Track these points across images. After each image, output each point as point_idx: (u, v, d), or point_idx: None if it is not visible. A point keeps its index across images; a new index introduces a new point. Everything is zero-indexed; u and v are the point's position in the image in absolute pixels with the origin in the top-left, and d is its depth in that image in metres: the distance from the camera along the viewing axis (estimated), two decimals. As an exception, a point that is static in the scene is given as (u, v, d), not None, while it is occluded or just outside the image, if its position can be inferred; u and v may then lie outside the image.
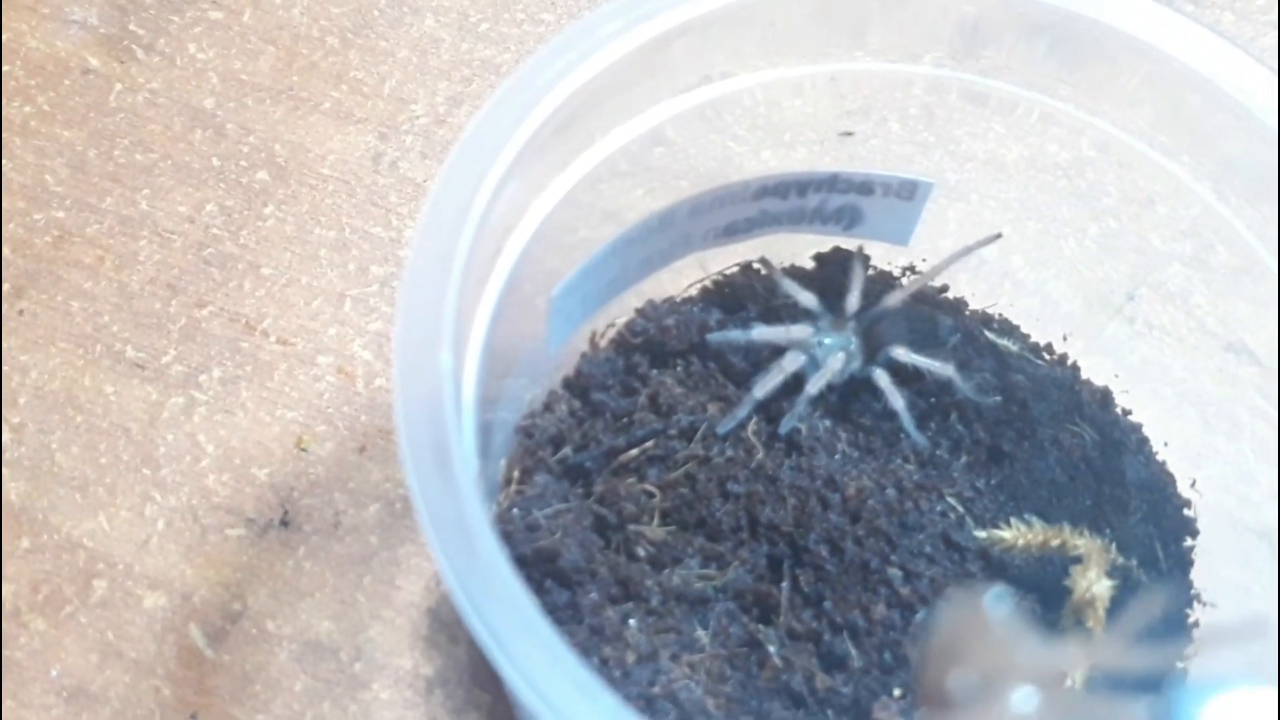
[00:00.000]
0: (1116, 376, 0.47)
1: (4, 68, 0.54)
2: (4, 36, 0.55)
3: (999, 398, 0.46)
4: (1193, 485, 0.45)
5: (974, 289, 0.49)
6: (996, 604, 0.30)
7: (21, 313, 0.49)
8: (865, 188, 0.45)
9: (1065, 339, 0.48)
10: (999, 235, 0.46)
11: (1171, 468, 0.46)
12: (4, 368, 0.48)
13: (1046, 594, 0.43)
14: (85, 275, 0.50)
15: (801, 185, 0.45)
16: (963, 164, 0.48)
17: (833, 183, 0.45)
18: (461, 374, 0.35)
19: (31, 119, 0.53)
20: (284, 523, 0.46)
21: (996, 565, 0.43)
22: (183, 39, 0.55)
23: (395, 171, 0.53)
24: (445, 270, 0.34)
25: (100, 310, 0.50)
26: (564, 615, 0.41)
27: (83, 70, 0.54)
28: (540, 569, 0.41)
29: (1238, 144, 0.40)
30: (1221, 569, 0.45)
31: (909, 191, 0.45)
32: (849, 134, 0.46)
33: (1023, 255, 0.49)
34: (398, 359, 0.32)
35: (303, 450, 0.48)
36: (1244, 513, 0.45)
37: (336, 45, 0.55)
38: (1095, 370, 0.48)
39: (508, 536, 0.42)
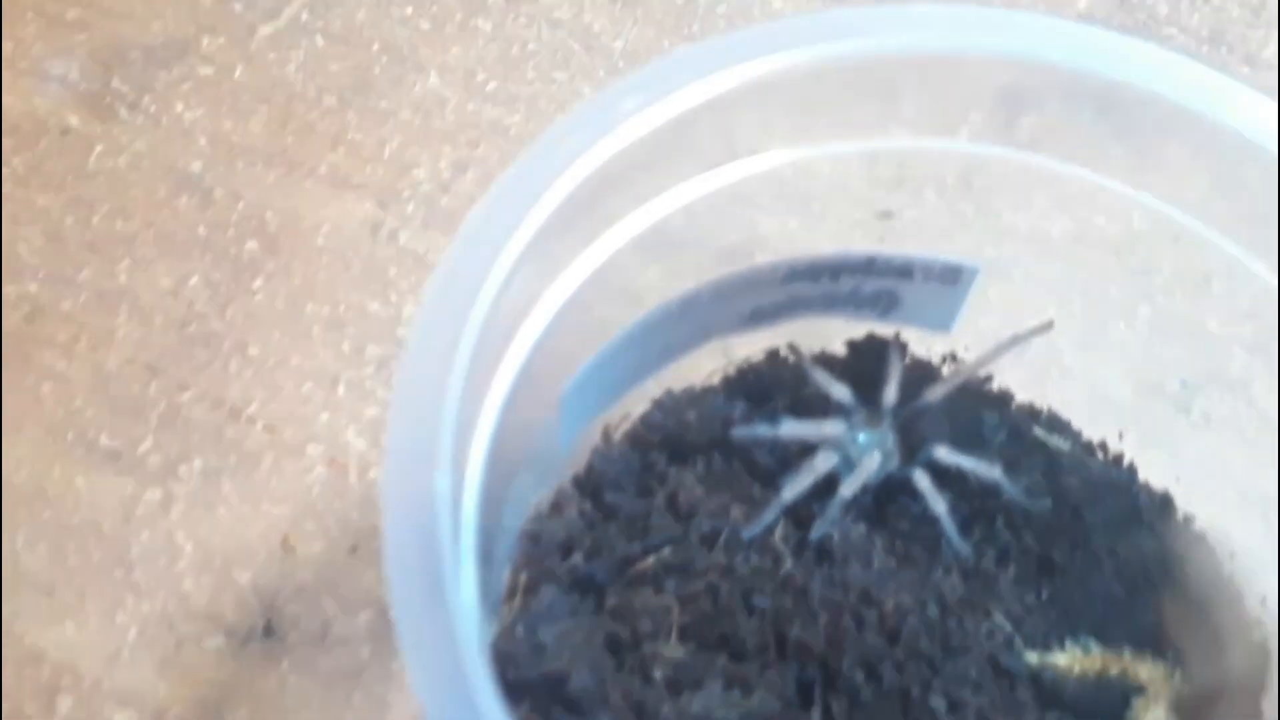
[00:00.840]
0: (1178, 480, 0.43)
1: (-23, 127, 0.51)
2: (-22, 93, 0.51)
3: (1049, 502, 0.42)
4: (1262, 602, 0.42)
5: (1018, 377, 0.45)
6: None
7: (-12, 396, 0.46)
8: (904, 272, 0.41)
9: (1121, 436, 0.44)
10: (1050, 324, 0.43)
11: (1239, 581, 0.42)
12: (-33, 456, 0.45)
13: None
14: (58, 355, 0.46)
15: (834, 269, 0.41)
16: (1003, 239, 0.45)
17: (869, 266, 0.41)
18: (462, 486, 0.31)
19: (5, 182, 0.50)
20: (267, 632, 0.42)
21: (1049, 693, 0.39)
22: (170, 97, 0.52)
23: (395, 242, 0.49)
24: (444, 374, 0.30)
25: (73, 394, 0.46)
26: (573, 746, 0.37)
27: (61, 130, 0.51)
28: (547, 694, 0.37)
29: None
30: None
31: (952, 277, 0.41)
32: (888, 214, 0.42)
33: (1069, 338, 0.46)
34: (387, 481, 0.29)
35: (289, 550, 0.44)
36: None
37: (334, 105, 0.52)
38: (1154, 470, 0.44)
39: (511, 659, 0.38)
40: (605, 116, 0.34)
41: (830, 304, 0.43)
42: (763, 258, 0.42)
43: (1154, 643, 0.40)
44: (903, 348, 0.44)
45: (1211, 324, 0.43)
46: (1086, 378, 0.46)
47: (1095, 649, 0.39)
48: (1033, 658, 0.39)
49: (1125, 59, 0.35)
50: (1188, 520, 0.43)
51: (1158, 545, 0.42)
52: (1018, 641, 0.40)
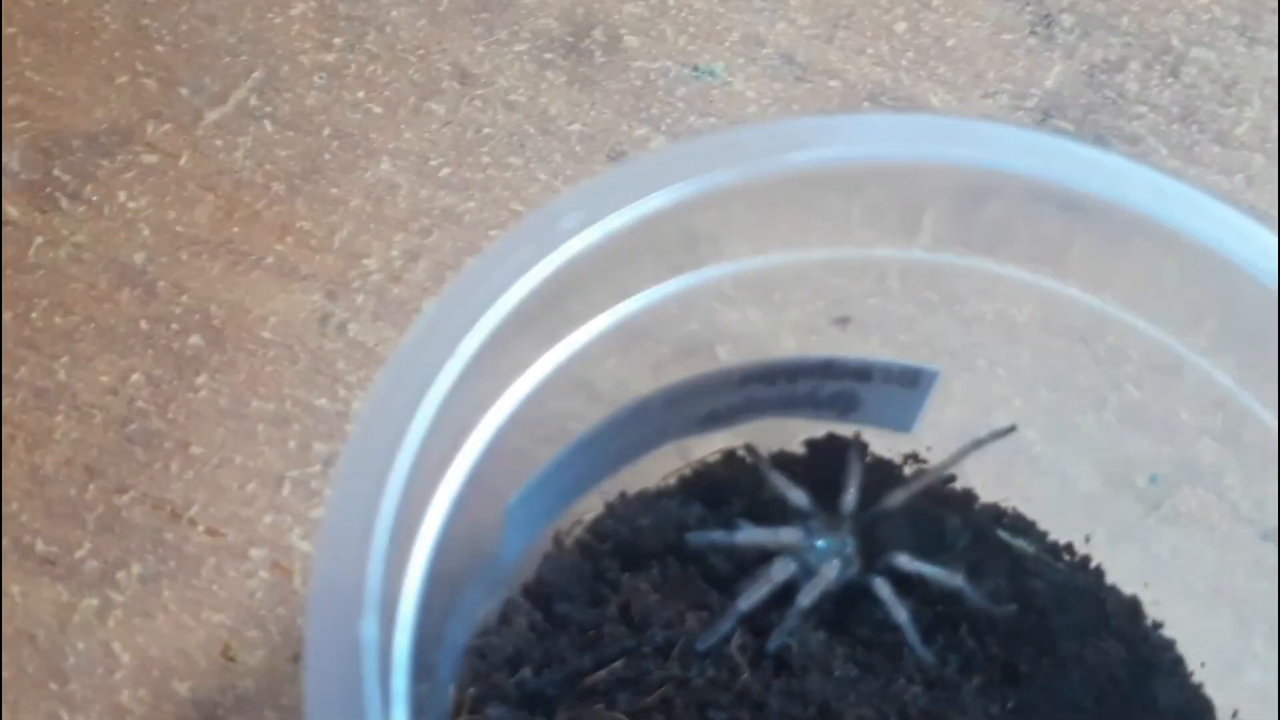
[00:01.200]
0: (1146, 585, 0.42)
1: (-87, 218, 0.49)
2: (-85, 183, 0.50)
3: (1014, 607, 0.41)
4: (1234, 716, 0.40)
5: (983, 471, 0.44)
6: None
7: (-82, 500, 0.44)
8: (862, 374, 0.40)
9: (1088, 539, 0.43)
10: (1013, 428, 0.42)
11: (1209, 690, 0.41)
12: (-104, 564, 0.43)
13: None
14: (-8, 456, 0.45)
15: (791, 372, 0.40)
16: (969, 328, 0.44)
17: (826, 369, 0.40)
18: (394, 623, 0.30)
19: (-58, 276, 0.48)
20: (207, 746, 0.41)
21: (1018, 809, 0.38)
22: (112, 186, 0.50)
23: (344, 335, 0.48)
24: (372, 511, 0.29)
25: (9, 497, 0.44)
26: None
27: (1, 222, 0.49)
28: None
29: (1257, 319, 0.36)
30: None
31: (912, 379, 0.41)
32: (845, 319, 0.41)
33: (1037, 430, 0.45)
34: (310, 626, 0.27)
35: (230, 660, 0.42)
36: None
37: (282, 192, 0.51)
38: (1122, 570, 0.43)
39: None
40: (561, 223, 0.33)
41: (788, 405, 0.42)
42: (723, 352, 0.41)
43: (1123, 755, 0.39)
44: (863, 448, 0.43)
45: (1182, 414, 0.42)
46: (1054, 470, 0.45)
47: (1063, 761, 0.38)
48: (999, 771, 0.38)
49: (1082, 169, 0.35)
50: (1156, 626, 0.42)
51: (1126, 652, 0.41)
52: (984, 755, 0.39)
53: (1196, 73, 0.56)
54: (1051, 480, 0.45)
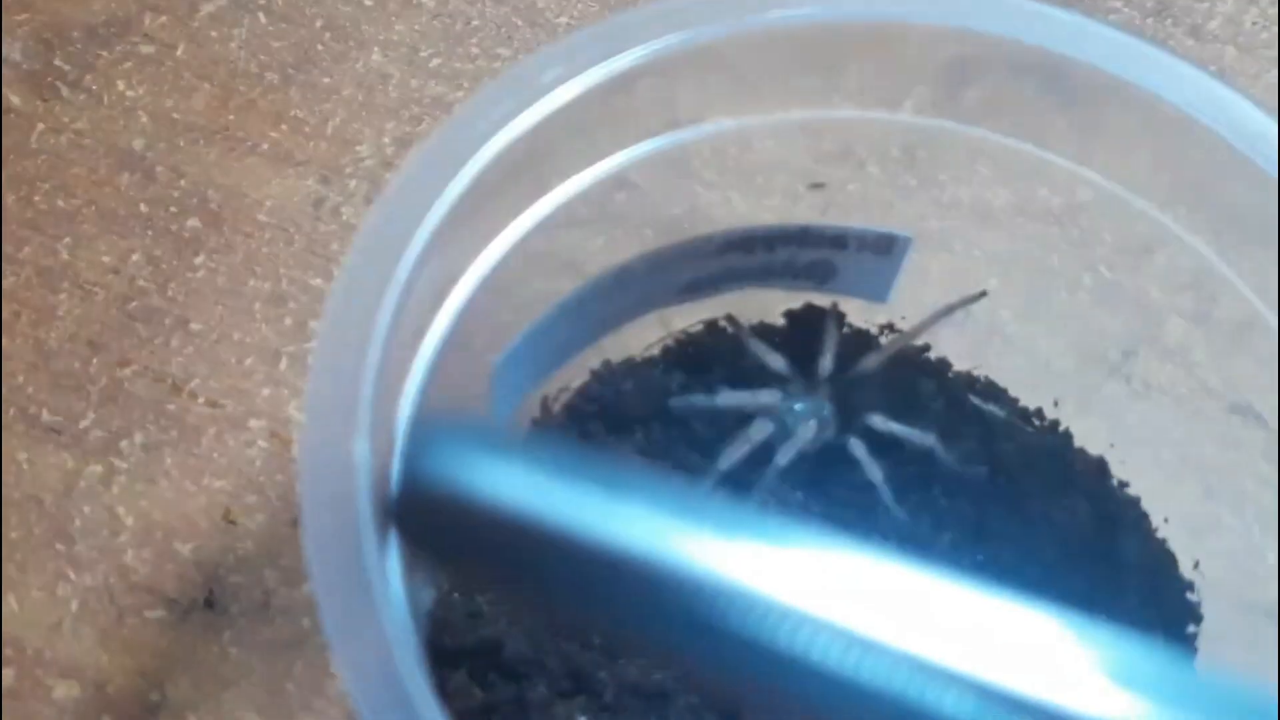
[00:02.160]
0: (1112, 446, 0.44)
1: (-83, 106, 0.50)
2: (-82, 73, 0.51)
3: (985, 469, 0.42)
4: (1195, 566, 0.42)
5: (958, 347, 0.46)
6: None
7: (-73, 372, 0.46)
8: (838, 242, 0.42)
9: (1056, 404, 0.44)
10: (984, 293, 0.43)
11: (1173, 545, 0.42)
12: (-92, 433, 0.45)
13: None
14: (-2, 332, 0.46)
15: (769, 240, 0.41)
16: (946, 211, 0.45)
17: (803, 237, 0.41)
18: (390, 455, 0.31)
19: (-54, 162, 0.50)
20: (208, 603, 0.43)
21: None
22: (111, 75, 0.51)
23: (337, 218, 0.49)
24: (364, 337, 0.30)
25: (14, 370, 0.46)
26: (509, 712, 0.37)
27: (3, 109, 0.51)
28: (483, 661, 0.38)
29: (1237, 193, 0.37)
30: (1227, 654, 0.41)
31: (885, 246, 0.42)
32: (820, 185, 0.42)
33: (1011, 309, 0.46)
34: (303, 451, 0.29)
35: (231, 523, 0.44)
36: (1251, 591, 0.42)
37: (276, 81, 0.52)
38: (1090, 437, 0.44)
39: (447, 626, 0.38)
40: (534, 81, 0.34)
41: (767, 275, 0.43)
42: (703, 229, 0.42)
43: (1086, 605, 0.40)
44: (840, 317, 0.44)
45: (1153, 293, 0.43)
46: (1028, 348, 0.46)
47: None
48: (967, 621, 0.39)
49: (1069, 34, 0.35)
50: (1122, 485, 0.43)
51: (1091, 509, 0.42)
52: (952, 604, 0.40)
53: (1171, -33, 0.57)
54: (1024, 357, 0.46)
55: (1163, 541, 0.42)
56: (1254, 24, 0.55)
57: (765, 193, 0.43)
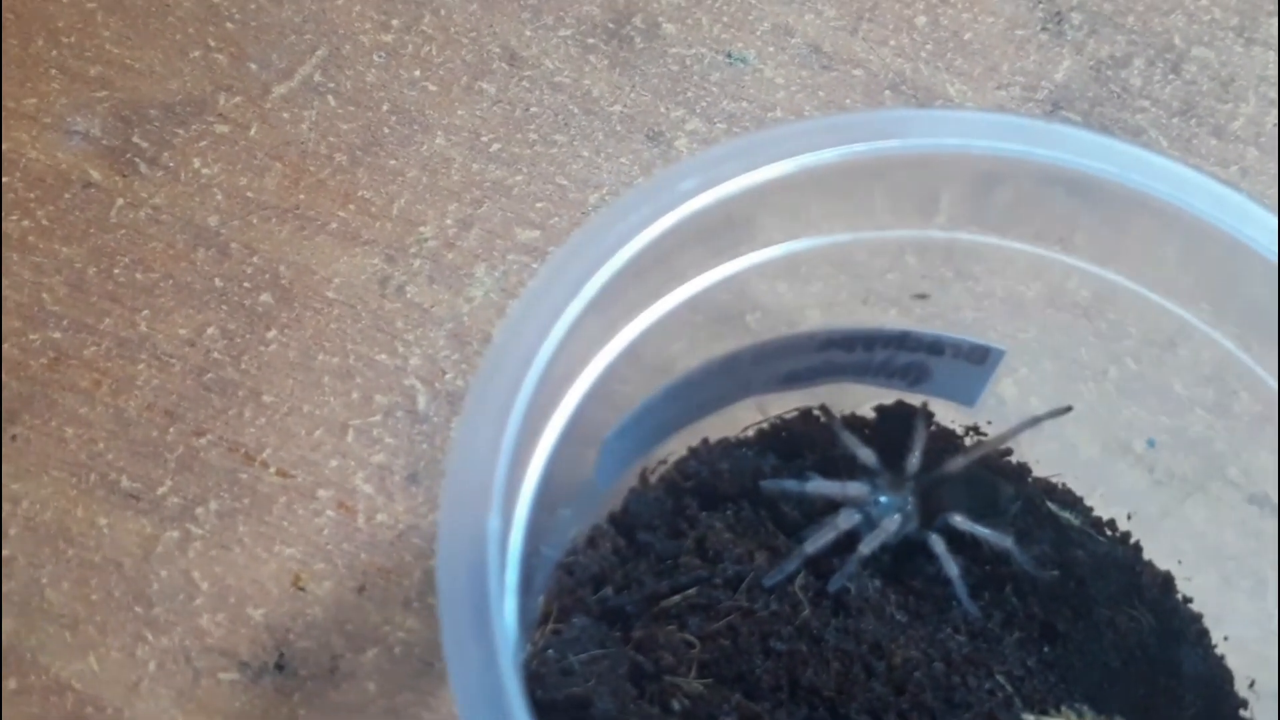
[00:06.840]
0: (1179, 563, 0.46)
1: (3, 179, 0.53)
2: (4, 146, 0.53)
3: (1057, 572, 0.44)
4: (1251, 686, 0.44)
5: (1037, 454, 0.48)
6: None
7: (14, 439, 0.48)
8: (935, 348, 0.44)
9: (1130, 518, 0.46)
10: (1069, 408, 0.45)
11: (1230, 663, 0.44)
12: (-5, 496, 0.47)
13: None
14: (81, 400, 0.49)
15: (869, 340, 0.44)
16: (981, 302, 0.47)
17: (902, 340, 0.44)
18: (510, 523, 0.34)
19: (30, 234, 0.52)
20: (279, 666, 0.45)
21: (1043, 752, 0.41)
22: (187, 153, 0.54)
23: (402, 296, 0.52)
24: (500, 425, 0.33)
25: (95, 437, 0.48)
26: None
27: (84, 184, 0.53)
28: (571, 716, 0.40)
29: (1256, 291, 0.39)
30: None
31: (980, 356, 0.44)
32: (924, 296, 0.44)
33: (1040, 398, 0.48)
34: (443, 518, 0.31)
35: (300, 589, 0.46)
36: (1269, 679, 0.44)
37: (345, 163, 0.54)
38: (1156, 551, 0.46)
39: (539, 679, 0.40)
40: (664, 195, 0.37)
41: (863, 372, 0.45)
42: (753, 322, 0.44)
43: (1144, 712, 0.43)
44: (929, 417, 0.46)
45: (1176, 386, 0.46)
46: (1057, 435, 0.48)
47: (1089, 715, 0.41)
48: (1030, 718, 0.41)
49: (1091, 151, 0.38)
50: (1186, 601, 0.45)
51: (1155, 622, 0.44)
52: (1017, 701, 0.42)
53: (1196, 70, 0.59)
54: (1054, 444, 0.48)
55: (1221, 658, 0.44)
56: (1275, 126, 0.58)
57: (863, 302, 0.46)
